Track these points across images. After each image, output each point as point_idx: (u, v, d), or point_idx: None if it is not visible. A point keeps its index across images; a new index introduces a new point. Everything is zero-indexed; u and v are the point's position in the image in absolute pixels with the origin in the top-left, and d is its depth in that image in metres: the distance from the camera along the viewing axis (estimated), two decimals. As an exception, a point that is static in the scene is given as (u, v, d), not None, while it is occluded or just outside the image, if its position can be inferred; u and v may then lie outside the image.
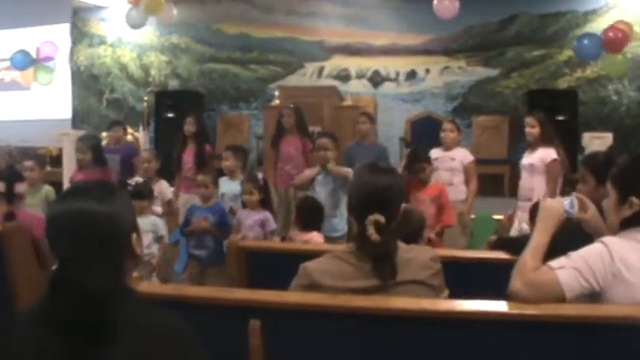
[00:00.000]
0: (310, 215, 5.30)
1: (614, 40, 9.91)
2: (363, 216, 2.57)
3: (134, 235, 1.84)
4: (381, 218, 2.54)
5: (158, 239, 5.79)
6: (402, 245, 2.65)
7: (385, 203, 2.60)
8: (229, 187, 6.48)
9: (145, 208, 5.79)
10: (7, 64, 12.92)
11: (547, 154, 6.30)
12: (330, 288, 2.56)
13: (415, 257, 2.64)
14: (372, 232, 2.52)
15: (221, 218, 5.88)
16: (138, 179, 6.37)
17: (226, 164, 6.68)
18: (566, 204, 2.69)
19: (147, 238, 5.68)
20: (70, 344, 1.63)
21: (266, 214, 5.76)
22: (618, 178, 2.58)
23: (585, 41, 10.21)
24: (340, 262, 2.63)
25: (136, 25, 11.33)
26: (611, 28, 9.98)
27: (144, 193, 5.86)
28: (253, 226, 5.67)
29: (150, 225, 5.73)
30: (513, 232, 6.28)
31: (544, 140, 6.34)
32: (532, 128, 6.38)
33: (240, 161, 6.86)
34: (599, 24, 10.70)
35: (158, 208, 6.40)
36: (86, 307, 1.63)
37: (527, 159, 6.47)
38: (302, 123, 7.73)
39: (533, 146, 6.43)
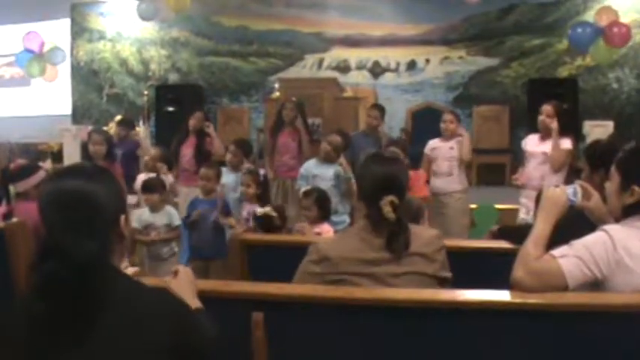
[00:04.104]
0: (320, 207, 5.31)
1: (618, 34, 9.94)
2: (377, 199, 2.74)
3: (122, 217, 1.91)
4: (395, 199, 2.73)
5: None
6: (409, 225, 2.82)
7: (396, 186, 2.80)
8: (229, 178, 6.48)
9: (157, 202, 5.81)
10: (7, 60, 12.91)
11: (562, 143, 6.11)
12: (338, 258, 2.74)
13: (420, 234, 2.85)
14: (388, 210, 2.70)
15: (223, 209, 5.89)
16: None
17: (231, 158, 6.70)
18: (569, 192, 2.68)
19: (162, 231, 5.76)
20: (56, 312, 1.71)
21: (255, 208, 5.78)
22: (622, 165, 2.57)
23: (579, 30, 10.21)
24: (349, 236, 2.88)
25: (146, 18, 11.38)
26: (614, 23, 9.97)
27: (155, 187, 5.89)
28: (248, 219, 5.70)
29: (166, 217, 5.78)
30: (518, 221, 6.23)
31: (560, 131, 6.16)
32: (548, 117, 6.15)
33: (242, 154, 6.88)
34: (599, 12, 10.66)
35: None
36: (69, 274, 1.70)
37: (540, 147, 6.25)
38: (303, 117, 7.76)
39: (545, 135, 6.24)
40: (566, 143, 6.07)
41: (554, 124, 6.05)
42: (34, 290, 1.73)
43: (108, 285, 1.76)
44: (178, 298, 1.94)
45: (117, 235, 1.90)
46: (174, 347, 1.80)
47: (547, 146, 6.12)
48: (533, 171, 6.22)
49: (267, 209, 5.19)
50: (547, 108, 6.21)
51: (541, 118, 6.18)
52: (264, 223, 4.97)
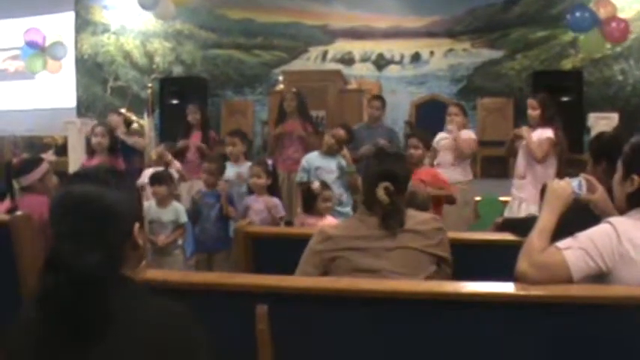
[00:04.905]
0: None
1: (616, 29, 9.98)
2: (374, 185, 2.99)
3: (137, 226, 1.81)
4: (391, 186, 2.97)
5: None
6: (407, 210, 3.09)
7: (393, 176, 3.02)
8: (231, 172, 6.48)
9: (165, 194, 5.79)
10: (12, 53, 12.92)
11: (545, 132, 6.26)
12: (337, 236, 3.00)
13: (416, 215, 3.11)
14: (381, 194, 2.95)
15: (229, 201, 5.88)
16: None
17: (232, 150, 6.69)
18: (574, 185, 2.69)
19: (169, 229, 5.75)
20: (56, 324, 1.65)
21: (274, 200, 5.78)
22: (625, 156, 2.59)
23: (577, 14, 10.21)
24: (350, 219, 3.32)
25: (147, 7, 11.37)
26: (613, 17, 9.99)
27: (162, 178, 5.88)
28: (260, 211, 5.69)
29: (172, 213, 5.76)
30: (507, 210, 6.31)
31: (545, 121, 6.31)
32: (533, 110, 6.35)
33: (245, 146, 6.87)
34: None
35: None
36: (75, 285, 1.62)
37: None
38: (303, 107, 7.74)
39: (534, 127, 6.37)
40: (547, 132, 6.22)
41: (535, 113, 6.31)
42: (35, 301, 1.67)
43: (114, 298, 1.66)
44: (189, 315, 1.80)
45: (130, 244, 1.80)
46: None
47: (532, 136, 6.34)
48: (519, 162, 6.39)
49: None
50: (531, 102, 6.47)
51: (528, 112, 6.37)
52: None
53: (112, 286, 1.68)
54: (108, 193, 1.75)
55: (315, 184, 5.55)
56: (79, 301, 1.63)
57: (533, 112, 6.34)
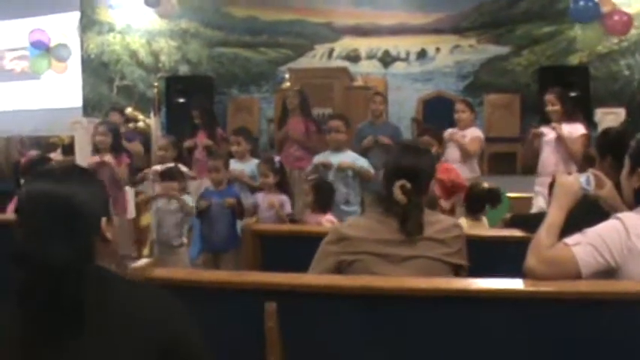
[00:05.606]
0: (325, 197, 5.36)
1: (619, 22, 9.98)
2: (392, 183, 2.88)
3: (104, 220, 1.86)
4: (407, 184, 2.84)
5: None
6: (428, 211, 2.94)
7: (412, 173, 2.90)
8: (239, 169, 6.49)
9: (175, 189, 5.81)
10: (18, 54, 12.92)
11: (575, 128, 6.19)
12: (356, 238, 2.85)
13: (439, 220, 2.94)
14: (398, 193, 2.83)
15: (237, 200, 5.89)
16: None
17: (237, 148, 6.69)
18: (582, 180, 2.68)
19: (176, 219, 5.79)
20: (37, 317, 1.68)
21: (282, 198, 5.78)
22: (632, 151, 2.60)
23: (581, 3, 10.22)
24: (367, 218, 3.02)
25: (152, 4, 11.39)
26: (616, 12, 9.99)
27: (173, 174, 5.90)
28: (269, 209, 5.69)
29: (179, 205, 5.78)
30: (535, 209, 6.24)
31: (567, 116, 6.25)
32: (553, 106, 6.28)
33: (250, 145, 6.88)
34: None
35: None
36: (46, 278, 1.66)
37: (552, 134, 6.35)
38: (305, 105, 7.73)
39: (556, 123, 6.30)
40: (578, 129, 6.14)
41: (555, 108, 6.26)
42: (13, 296, 1.71)
43: (92, 289, 1.71)
44: (176, 301, 1.85)
45: (100, 239, 1.85)
46: (165, 350, 1.76)
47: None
48: (547, 158, 6.29)
49: None
50: (549, 98, 6.37)
51: (548, 109, 6.30)
52: None
53: (84, 279, 1.71)
54: (72, 190, 1.79)
55: (311, 176, 5.59)
56: (51, 295, 1.66)
57: (553, 108, 6.26)
